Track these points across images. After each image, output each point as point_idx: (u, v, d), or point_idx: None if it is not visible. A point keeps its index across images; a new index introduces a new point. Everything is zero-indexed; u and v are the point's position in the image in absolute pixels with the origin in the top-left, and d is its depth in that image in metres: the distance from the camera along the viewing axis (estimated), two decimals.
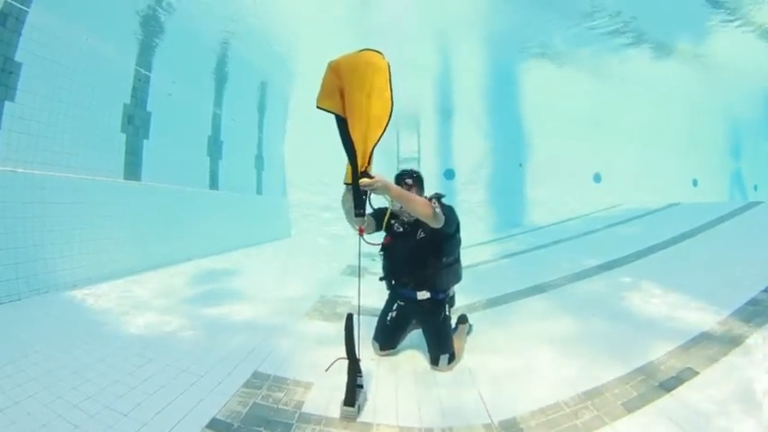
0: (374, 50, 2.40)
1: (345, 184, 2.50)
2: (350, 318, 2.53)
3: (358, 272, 2.74)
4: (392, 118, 2.35)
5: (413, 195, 2.78)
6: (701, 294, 4.04)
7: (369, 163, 2.40)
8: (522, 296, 4.93)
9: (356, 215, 2.49)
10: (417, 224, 3.06)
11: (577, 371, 2.93)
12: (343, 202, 2.65)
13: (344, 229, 3.63)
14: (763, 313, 3.43)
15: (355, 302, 4.79)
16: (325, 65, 2.42)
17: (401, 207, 2.98)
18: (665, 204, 11.09)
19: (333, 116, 2.41)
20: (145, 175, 6.61)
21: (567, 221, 12.06)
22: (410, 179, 3.10)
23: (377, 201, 2.59)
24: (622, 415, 2.34)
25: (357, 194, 2.45)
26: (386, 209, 2.85)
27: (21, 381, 2.50)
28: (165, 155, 7.19)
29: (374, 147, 2.39)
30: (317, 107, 2.43)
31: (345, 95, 2.37)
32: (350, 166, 2.42)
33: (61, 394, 2.39)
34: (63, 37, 4.97)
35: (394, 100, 2.37)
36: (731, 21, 9.53)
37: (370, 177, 2.38)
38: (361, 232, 2.61)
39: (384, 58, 2.38)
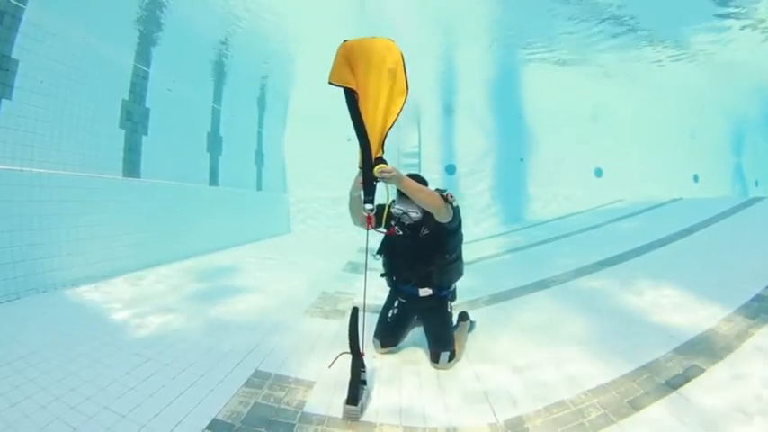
0: (388, 38, 2.40)
1: (360, 168, 2.44)
2: (355, 311, 2.49)
3: (365, 265, 2.69)
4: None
5: (422, 187, 2.76)
6: (705, 291, 3.99)
7: (382, 150, 2.36)
8: (525, 292, 4.90)
9: (365, 202, 2.45)
10: (418, 225, 3.02)
11: (582, 368, 2.90)
12: (354, 189, 2.61)
13: (346, 224, 3.58)
14: None
15: (357, 299, 4.79)
16: (340, 43, 2.39)
17: (403, 212, 2.94)
18: (667, 200, 11.04)
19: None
20: (144, 172, 6.56)
21: (568, 216, 12.01)
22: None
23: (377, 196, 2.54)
24: (629, 413, 2.31)
25: (367, 180, 2.40)
26: (384, 206, 2.80)
27: (18, 382, 2.47)
28: (165, 151, 7.15)
29: (388, 131, 2.37)
30: (330, 83, 2.40)
31: (360, 74, 2.35)
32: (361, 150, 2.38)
33: (59, 395, 2.35)
34: (60, 34, 4.92)
35: (409, 87, 2.38)
36: (734, 17, 9.47)
37: (386, 164, 2.35)
38: (369, 221, 2.55)
39: (398, 47, 2.39)
